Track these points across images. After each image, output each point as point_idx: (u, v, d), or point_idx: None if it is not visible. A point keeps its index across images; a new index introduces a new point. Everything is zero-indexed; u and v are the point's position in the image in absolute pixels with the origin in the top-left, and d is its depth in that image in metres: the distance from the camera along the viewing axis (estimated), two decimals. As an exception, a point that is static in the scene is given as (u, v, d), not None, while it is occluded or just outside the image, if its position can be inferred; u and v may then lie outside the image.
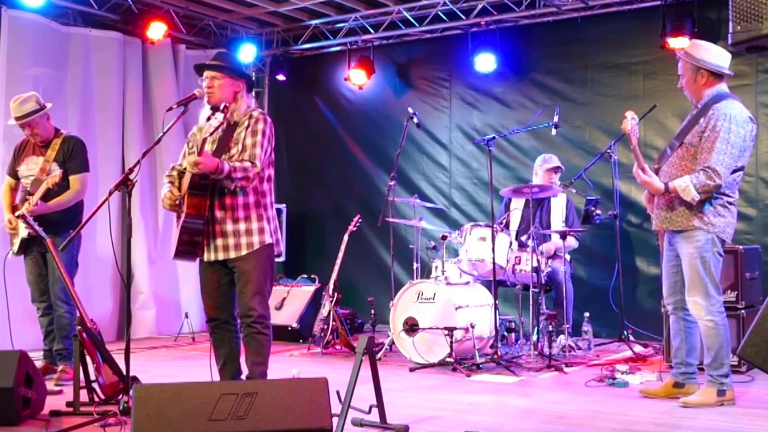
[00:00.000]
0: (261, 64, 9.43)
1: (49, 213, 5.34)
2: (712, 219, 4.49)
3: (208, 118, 4.31)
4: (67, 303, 5.37)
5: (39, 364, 5.51)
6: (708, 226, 4.48)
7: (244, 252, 4.19)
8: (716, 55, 4.56)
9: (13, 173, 5.64)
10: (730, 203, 4.57)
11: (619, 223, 6.83)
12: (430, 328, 6.00)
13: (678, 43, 7.01)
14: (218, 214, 4.19)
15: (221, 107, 4.20)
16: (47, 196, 5.31)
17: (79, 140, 5.64)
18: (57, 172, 5.32)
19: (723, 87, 4.60)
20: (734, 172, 4.52)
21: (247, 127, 4.23)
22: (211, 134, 4.20)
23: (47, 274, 5.51)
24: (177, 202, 4.22)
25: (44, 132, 5.53)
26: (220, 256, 4.22)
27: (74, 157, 5.50)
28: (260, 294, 4.22)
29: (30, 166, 5.53)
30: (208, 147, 4.22)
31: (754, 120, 4.59)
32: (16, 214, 5.33)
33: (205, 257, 4.25)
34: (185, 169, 4.29)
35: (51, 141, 5.54)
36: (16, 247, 5.46)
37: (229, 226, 4.19)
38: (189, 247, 4.19)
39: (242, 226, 4.20)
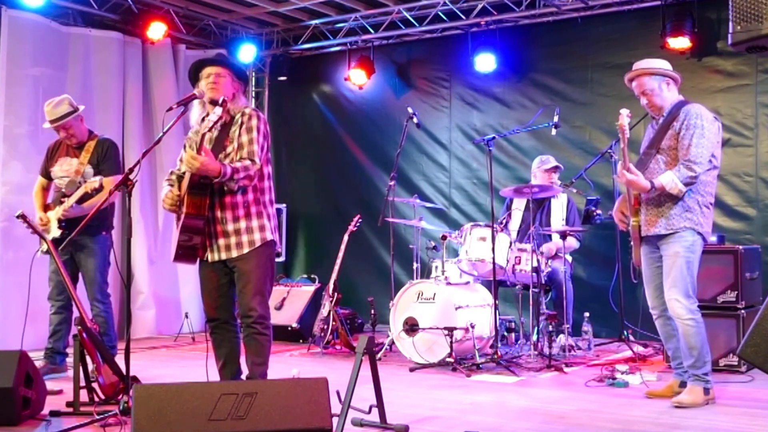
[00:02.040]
0: (261, 64, 9.43)
1: (83, 215, 5.38)
2: (700, 219, 4.61)
3: (203, 119, 4.31)
4: (103, 303, 5.56)
5: (39, 363, 5.55)
6: (697, 226, 4.59)
7: (246, 250, 4.18)
8: (665, 64, 4.81)
9: (46, 173, 5.69)
10: (711, 203, 4.71)
11: (619, 223, 6.82)
12: (430, 328, 6.00)
13: (678, 43, 7.03)
14: (219, 213, 4.18)
15: (220, 101, 4.18)
16: (82, 200, 5.33)
17: (113, 143, 5.72)
18: (92, 174, 5.39)
19: (678, 95, 4.81)
20: (709, 170, 4.62)
21: (241, 125, 4.22)
22: (210, 129, 4.18)
23: (76, 276, 5.61)
24: (177, 202, 4.22)
25: (79, 134, 5.60)
26: (223, 256, 4.21)
27: (108, 159, 5.55)
28: (260, 294, 4.21)
29: (64, 167, 5.58)
30: (207, 145, 4.21)
31: (718, 119, 4.77)
32: (16, 214, 5.34)
33: (208, 258, 4.24)
34: (184, 173, 4.29)
35: (85, 143, 5.60)
36: (45, 247, 5.48)
37: (230, 226, 4.19)
38: (189, 249, 4.17)
39: (242, 224, 4.19)
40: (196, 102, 4.32)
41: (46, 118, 5.54)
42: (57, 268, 5.54)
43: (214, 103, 4.21)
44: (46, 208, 5.58)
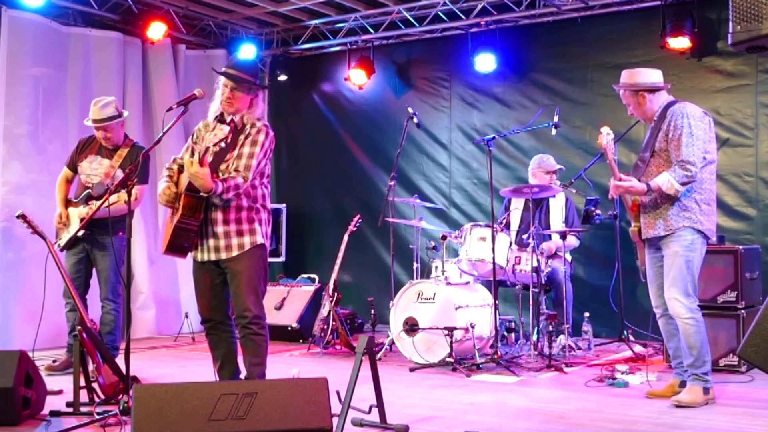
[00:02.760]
0: (261, 64, 9.41)
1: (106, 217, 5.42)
2: (700, 217, 4.61)
3: (216, 119, 4.31)
4: (114, 302, 5.63)
5: (62, 357, 5.66)
6: (696, 224, 4.59)
7: (235, 253, 4.20)
8: (648, 74, 4.81)
9: (73, 166, 5.74)
10: (711, 200, 4.70)
11: (618, 223, 6.82)
12: (430, 328, 6.00)
13: (678, 43, 7.03)
14: (211, 215, 4.20)
15: (228, 120, 4.21)
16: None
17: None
18: (120, 177, 5.39)
19: (668, 96, 4.81)
20: (705, 166, 4.61)
21: (248, 136, 4.24)
22: (215, 145, 4.20)
23: (90, 273, 5.68)
24: (173, 199, 4.23)
25: (116, 137, 5.68)
26: (212, 257, 4.23)
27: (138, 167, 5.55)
28: (254, 294, 4.23)
29: (94, 166, 5.63)
30: (211, 149, 4.22)
31: (708, 114, 4.77)
32: (16, 214, 5.34)
33: (198, 257, 4.27)
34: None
35: (119, 147, 5.66)
36: (63, 242, 5.51)
37: (221, 228, 4.20)
38: (180, 245, 4.20)
39: (233, 227, 4.21)
40: (218, 93, 4.31)
41: (90, 116, 5.61)
42: (71, 264, 5.57)
43: (221, 120, 4.24)
44: (68, 203, 5.64)
